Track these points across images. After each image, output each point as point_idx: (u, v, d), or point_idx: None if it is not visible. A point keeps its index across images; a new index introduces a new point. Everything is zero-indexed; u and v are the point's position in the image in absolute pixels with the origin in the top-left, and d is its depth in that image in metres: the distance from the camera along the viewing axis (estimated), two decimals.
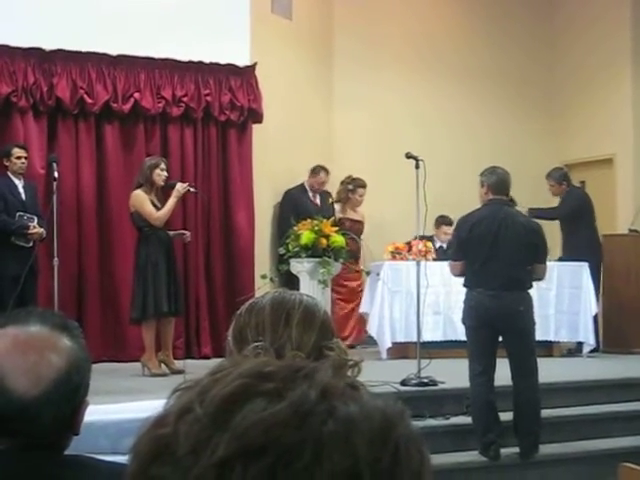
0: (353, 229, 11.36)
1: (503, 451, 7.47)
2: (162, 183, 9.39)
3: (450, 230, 11.82)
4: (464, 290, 10.51)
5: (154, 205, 9.23)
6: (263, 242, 11.37)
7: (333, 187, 12.10)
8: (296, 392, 0.85)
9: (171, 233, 9.43)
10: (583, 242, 11.14)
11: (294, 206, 11.28)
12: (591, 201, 11.47)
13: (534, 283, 7.52)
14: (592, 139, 13.21)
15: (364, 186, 12.00)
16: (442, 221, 11.81)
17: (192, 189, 9.64)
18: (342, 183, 12.05)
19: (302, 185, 11.65)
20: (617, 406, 8.58)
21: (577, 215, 11.23)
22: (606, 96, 13.13)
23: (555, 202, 11.70)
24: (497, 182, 7.46)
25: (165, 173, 9.41)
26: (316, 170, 11.62)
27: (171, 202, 9.30)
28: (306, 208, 11.20)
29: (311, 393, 0.85)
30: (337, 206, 12.00)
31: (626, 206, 12.56)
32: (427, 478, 0.88)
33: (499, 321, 7.13)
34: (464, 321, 7.46)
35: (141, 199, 9.19)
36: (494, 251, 7.18)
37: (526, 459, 7.38)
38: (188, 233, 9.65)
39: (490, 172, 7.62)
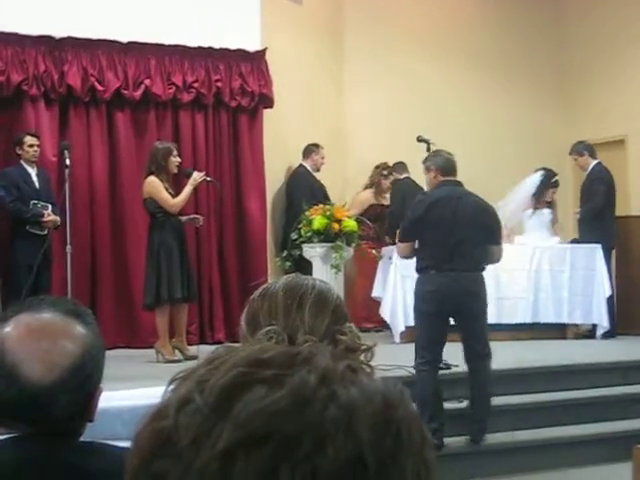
0: (383, 213, 11.50)
1: (518, 433, 7.49)
2: (176, 170, 9.41)
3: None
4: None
5: (167, 192, 9.24)
6: (275, 227, 11.38)
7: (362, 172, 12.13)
8: (295, 378, 0.84)
9: (183, 218, 9.43)
10: (601, 223, 11.14)
11: (309, 188, 11.28)
12: (612, 179, 11.46)
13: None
14: (604, 120, 13.17)
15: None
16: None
17: (208, 178, 9.66)
18: (377, 167, 12.11)
19: (302, 167, 11.62)
20: (632, 388, 8.57)
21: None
22: (617, 78, 13.08)
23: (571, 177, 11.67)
24: (444, 163, 7.35)
25: (178, 159, 9.42)
26: (314, 148, 11.59)
27: (187, 190, 9.31)
28: (319, 189, 11.27)
29: (310, 378, 0.84)
30: (368, 192, 12.04)
31: (638, 187, 12.52)
32: (429, 459, 0.88)
33: (457, 303, 7.04)
34: (418, 307, 7.29)
35: (156, 185, 9.18)
36: (452, 232, 7.08)
37: (476, 444, 7.27)
38: (200, 217, 9.64)
39: (434, 155, 7.55)
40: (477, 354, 7.17)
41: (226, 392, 0.83)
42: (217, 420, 0.82)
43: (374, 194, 12.04)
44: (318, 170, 11.59)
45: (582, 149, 11.56)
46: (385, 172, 12.02)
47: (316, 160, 11.57)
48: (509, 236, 11.40)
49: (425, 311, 7.18)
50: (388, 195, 12.08)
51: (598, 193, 11.26)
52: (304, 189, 11.22)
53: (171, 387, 0.89)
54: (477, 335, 7.15)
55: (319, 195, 10.99)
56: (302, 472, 0.80)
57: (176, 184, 9.47)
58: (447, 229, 7.10)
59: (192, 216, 9.59)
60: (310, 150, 11.56)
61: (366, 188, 12.09)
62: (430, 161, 7.48)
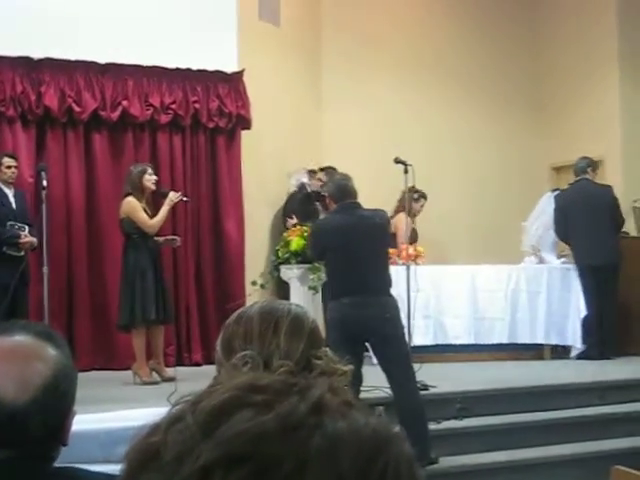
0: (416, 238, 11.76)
1: (497, 454, 7.49)
2: (153, 187, 9.39)
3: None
4: (455, 294, 10.60)
5: (145, 212, 9.23)
6: (254, 248, 11.37)
7: None
8: (285, 405, 0.85)
9: (161, 239, 9.42)
10: (570, 242, 11.20)
11: (305, 210, 11.33)
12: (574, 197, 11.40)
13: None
14: (581, 142, 13.22)
15: (426, 197, 12.09)
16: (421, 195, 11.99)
17: (185, 198, 9.64)
18: (408, 190, 12.13)
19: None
20: (609, 408, 8.58)
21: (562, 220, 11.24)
22: (593, 98, 13.16)
23: None
24: (335, 190, 7.24)
25: (154, 177, 9.41)
26: (311, 174, 11.64)
27: (164, 210, 9.30)
28: (313, 211, 11.33)
29: (301, 407, 0.85)
30: (404, 216, 12.02)
31: None
32: None
33: (365, 331, 6.93)
34: (328, 333, 7.10)
35: (134, 205, 9.18)
36: (354, 257, 6.95)
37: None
38: (178, 238, 9.62)
39: (328, 181, 7.47)
40: (396, 380, 7.05)
41: (215, 413, 0.85)
42: (202, 438, 0.84)
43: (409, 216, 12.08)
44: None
45: (575, 169, 11.60)
46: (415, 196, 12.06)
47: (312, 184, 11.63)
48: (542, 258, 11.48)
49: (333, 338, 6.97)
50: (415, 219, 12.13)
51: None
52: (305, 210, 11.30)
53: (172, 408, 0.91)
54: (394, 361, 7.01)
55: (314, 217, 11.05)
56: None
57: (156, 207, 9.46)
58: (348, 256, 6.98)
59: (170, 237, 9.57)
60: (314, 172, 11.63)
61: (397, 212, 12.10)
62: (325, 187, 7.46)
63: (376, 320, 6.91)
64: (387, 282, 7.12)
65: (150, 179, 9.32)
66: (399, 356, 7.03)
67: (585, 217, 11.24)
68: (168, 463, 0.84)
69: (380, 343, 7.05)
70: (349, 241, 6.99)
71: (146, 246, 9.21)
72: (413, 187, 12.11)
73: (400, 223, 11.90)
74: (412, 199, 12.08)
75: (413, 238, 11.96)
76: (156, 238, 9.35)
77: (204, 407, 0.87)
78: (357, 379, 6.87)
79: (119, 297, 9.29)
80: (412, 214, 12.12)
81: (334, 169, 11.65)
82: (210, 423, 0.85)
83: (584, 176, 11.47)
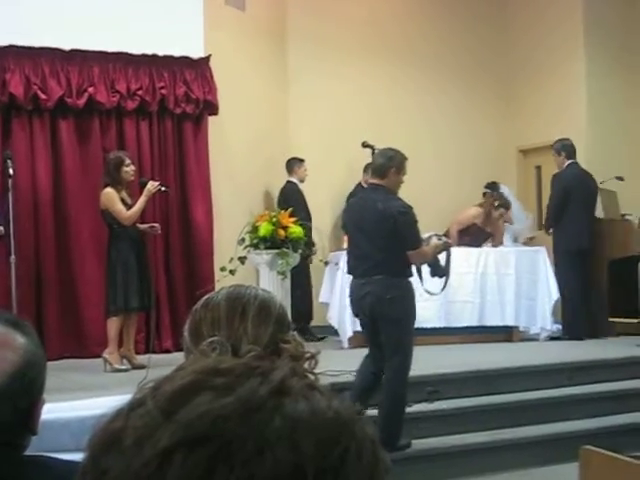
0: (475, 234, 11.90)
1: (467, 436, 7.53)
2: (132, 178, 9.33)
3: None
4: (425, 277, 10.64)
5: (124, 203, 9.16)
6: (222, 234, 11.34)
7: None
8: (245, 387, 0.86)
9: (141, 226, 9.37)
10: (558, 224, 11.22)
11: (302, 202, 11.58)
12: (584, 181, 11.40)
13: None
14: (546, 124, 13.29)
15: (507, 208, 12.13)
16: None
17: (163, 188, 9.56)
18: (490, 197, 12.20)
19: (292, 183, 11.85)
20: (578, 389, 8.66)
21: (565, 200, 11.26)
22: (559, 81, 13.21)
23: None
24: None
25: (132, 167, 9.34)
26: (297, 162, 11.95)
27: (141, 201, 9.23)
28: (306, 202, 11.71)
29: (261, 389, 0.86)
30: (477, 210, 12.11)
31: None
32: None
33: (369, 309, 7.05)
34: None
35: (111, 197, 9.11)
36: (360, 238, 7.15)
37: (389, 452, 7.00)
38: (158, 225, 9.57)
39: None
40: (388, 362, 7.06)
41: (176, 396, 0.86)
42: (162, 422, 0.84)
43: (483, 216, 12.08)
44: (302, 181, 11.85)
45: (559, 149, 11.55)
46: (496, 203, 12.09)
47: (303, 175, 11.78)
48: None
49: (351, 312, 7.60)
50: (498, 224, 12.21)
51: (552, 196, 11.38)
52: (300, 204, 11.36)
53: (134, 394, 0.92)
54: (389, 343, 7.02)
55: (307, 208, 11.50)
56: (238, 476, 0.81)
57: (136, 197, 9.41)
58: (356, 235, 7.26)
59: (150, 225, 9.50)
60: (293, 164, 11.75)
61: (476, 205, 12.23)
62: None
63: (376, 300, 6.99)
64: (391, 264, 7.03)
65: (128, 170, 9.25)
66: (388, 339, 7.05)
67: (577, 199, 11.19)
68: (129, 447, 0.84)
69: (380, 323, 7.10)
70: (356, 222, 7.25)
71: (128, 235, 9.15)
72: (500, 195, 12.24)
73: (464, 212, 12.07)
74: (492, 205, 12.14)
75: (480, 237, 11.99)
76: (138, 225, 9.31)
77: (165, 391, 0.87)
78: (370, 358, 7.11)
79: (105, 286, 9.27)
80: (489, 218, 12.17)
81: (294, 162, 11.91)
82: (170, 407, 0.85)
83: (575, 160, 11.48)
